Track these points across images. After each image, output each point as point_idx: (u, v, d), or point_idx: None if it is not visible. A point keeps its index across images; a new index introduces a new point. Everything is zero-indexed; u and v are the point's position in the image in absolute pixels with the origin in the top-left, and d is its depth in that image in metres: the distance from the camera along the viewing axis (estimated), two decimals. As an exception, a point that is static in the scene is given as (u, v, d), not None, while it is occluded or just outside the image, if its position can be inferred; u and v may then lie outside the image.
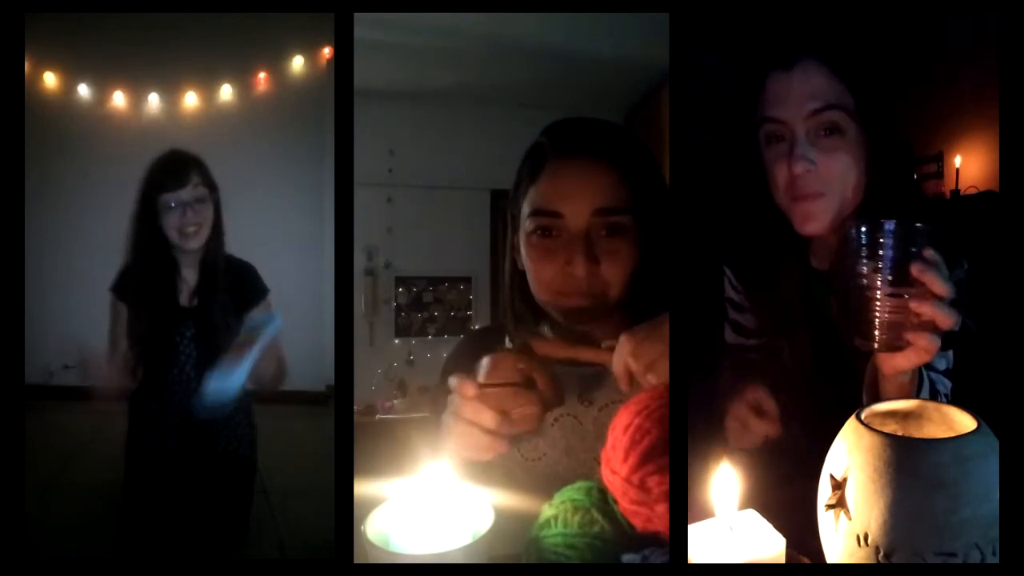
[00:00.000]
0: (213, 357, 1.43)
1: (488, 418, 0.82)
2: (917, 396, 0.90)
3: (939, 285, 0.79)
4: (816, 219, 0.98)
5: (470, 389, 0.83)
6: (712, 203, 1.35)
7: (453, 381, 0.85)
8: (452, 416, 0.85)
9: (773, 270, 1.12)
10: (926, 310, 0.79)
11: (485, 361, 0.86)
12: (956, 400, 0.99)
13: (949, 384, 1.03)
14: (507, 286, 1.03)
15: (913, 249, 0.80)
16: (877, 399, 0.87)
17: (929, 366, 0.97)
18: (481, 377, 0.85)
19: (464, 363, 1.07)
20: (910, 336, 0.81)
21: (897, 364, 0.84)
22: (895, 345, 0.82)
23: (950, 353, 1.03)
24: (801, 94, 0.94)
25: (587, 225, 0.91)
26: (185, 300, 1.50)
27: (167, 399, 1.54)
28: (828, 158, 0.95)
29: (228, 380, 1.21)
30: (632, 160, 0.95)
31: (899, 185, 1.01)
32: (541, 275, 0.95)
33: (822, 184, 0.96)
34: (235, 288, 1.53)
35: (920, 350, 0.81)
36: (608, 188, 0.91)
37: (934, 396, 0.99)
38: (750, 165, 1.01)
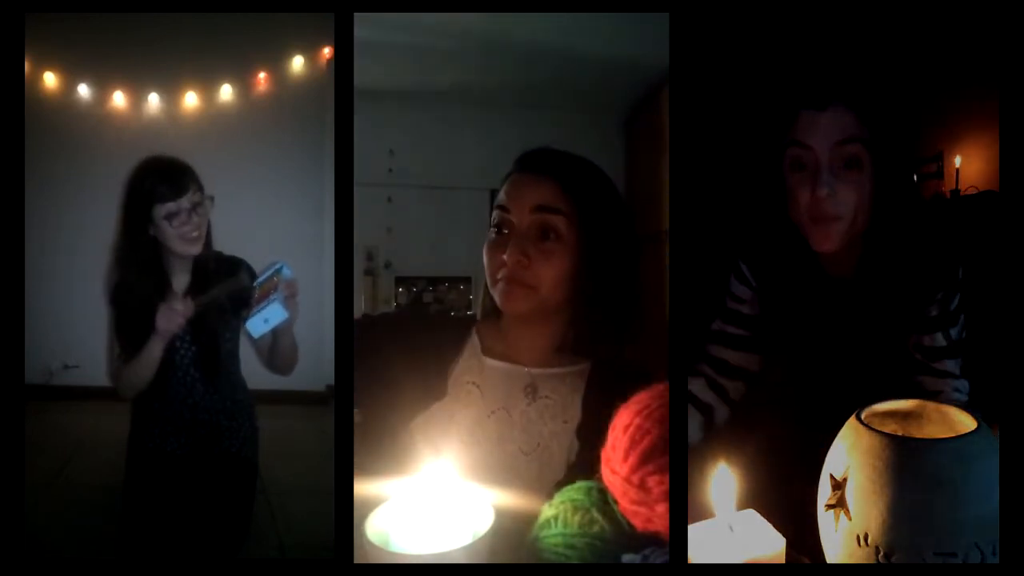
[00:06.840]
0: (211, 352, 1.52)
1: None
2: None
3: None
4: (831, 239, 1.11)
5: None
6: (728, 207, 1.48)
7: None
8: None
9: (789, 272, 1.24)
10: None
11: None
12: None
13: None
14: (483, 284, 1.17)
15: None
16: None
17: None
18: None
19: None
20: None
21: None
22: None
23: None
24: (830, 128, 1.07)
25: (527, 222, 1.07)
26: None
27: (169, 399, 1.55)
28: (846, 187, 1.08)
29: (263, 315, 1.31)
30: (576, 178, 1.10)
31: (904, 215, 1.14)
32: (488, 265, 1.09)
33: (839, 208, 1.08)
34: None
35: None
36: (547, 192, 1.07)
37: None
38: (770, 183, 1.15)
